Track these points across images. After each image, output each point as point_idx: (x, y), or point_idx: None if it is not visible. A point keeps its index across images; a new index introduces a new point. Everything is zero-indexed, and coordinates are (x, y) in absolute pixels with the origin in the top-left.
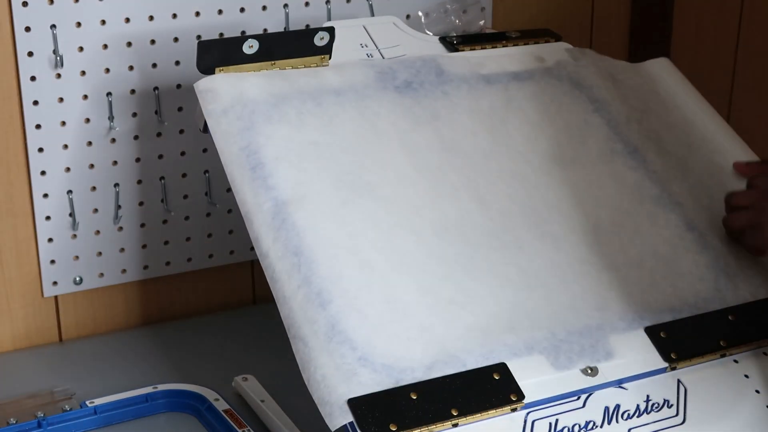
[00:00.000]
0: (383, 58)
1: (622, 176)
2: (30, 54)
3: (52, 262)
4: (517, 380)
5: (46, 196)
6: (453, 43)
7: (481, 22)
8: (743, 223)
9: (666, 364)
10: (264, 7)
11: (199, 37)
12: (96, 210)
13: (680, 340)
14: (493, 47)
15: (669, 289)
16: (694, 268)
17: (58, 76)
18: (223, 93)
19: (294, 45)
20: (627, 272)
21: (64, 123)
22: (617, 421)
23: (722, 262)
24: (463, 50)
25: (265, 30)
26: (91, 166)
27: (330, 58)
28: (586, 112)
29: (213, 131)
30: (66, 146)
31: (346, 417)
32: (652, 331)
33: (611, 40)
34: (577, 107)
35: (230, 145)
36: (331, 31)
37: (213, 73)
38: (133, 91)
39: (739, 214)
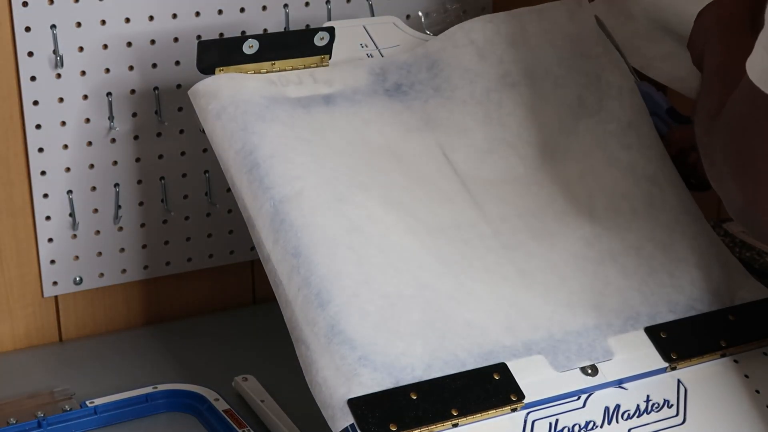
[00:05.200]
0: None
1: (616, 158)
2: (30, 54)
3: (52, 262)
4: (516, 380)
5: (46, 196)
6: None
7: None
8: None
9: (666, 364)
10: (264, 7)
11: (199, 37)
12: (96, 210)
13: (680, 340)
14: None
15: (666, 278)
16: (690, 253)
17: (58, 76)
18: (216, 96)
19: (294, 45)
20: (624, 261)
21: (64, 123)
22: (617, 421)
23: (716, 248)
24: None
25: (265, 30)
26: (91, 166)
27: (330, 58)
28: (580, 87)
29: (210, 136)
30: (66, 146)
31: (348, 419)
32: (652, 331)
33: None
34: (571, 81)
35: (227, 150)
36: (331, 31)
37: (213, 73)
38: (133, 91)
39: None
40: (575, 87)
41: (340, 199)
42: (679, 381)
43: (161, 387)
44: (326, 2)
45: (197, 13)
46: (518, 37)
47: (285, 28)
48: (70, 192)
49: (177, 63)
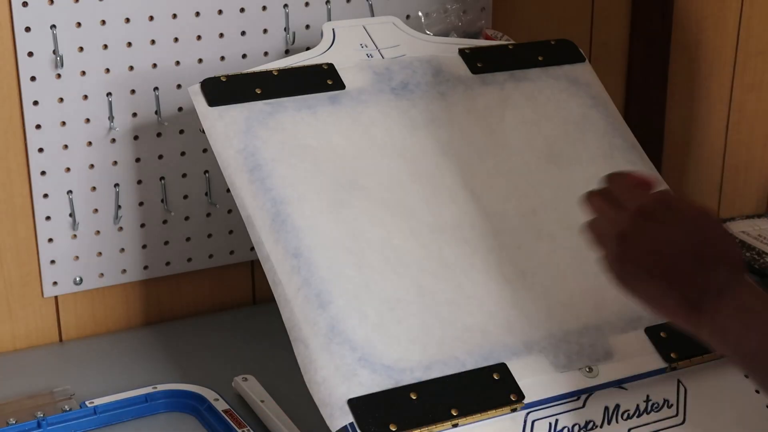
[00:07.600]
0: (383, 58)
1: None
2: (30, 54)
3: (52, 262)
4: (516, 380)
5: (46, 196)
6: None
7: (482, 23)
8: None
9: (666, 364)
10: (264, 8)
11: (199, 37)
12: (96, 210)
13: (680, 340)
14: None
15: None
16: None
17: (58, 76)
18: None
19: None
20: None
21: (64, 123)
22: (617, 421)
23: None
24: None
25: (266, 30)
26: (91, 166)
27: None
28: (584, 107)
29: (209, 134)
30: (66, 146)
31: (347, 418)
32: (651, 331)
33: (611, 39)
34: (574, 103)
35: (227, 148)
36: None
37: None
38: (133, 91)
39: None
40: (580, 108)
41: (342, 203)
42: (679, 381)
43: (161, 387)
44: (326, 2)
45: (197, 13)
46: (519, 74)
47: (285, 29)
48: (70, 192)
49: (177, 63)
